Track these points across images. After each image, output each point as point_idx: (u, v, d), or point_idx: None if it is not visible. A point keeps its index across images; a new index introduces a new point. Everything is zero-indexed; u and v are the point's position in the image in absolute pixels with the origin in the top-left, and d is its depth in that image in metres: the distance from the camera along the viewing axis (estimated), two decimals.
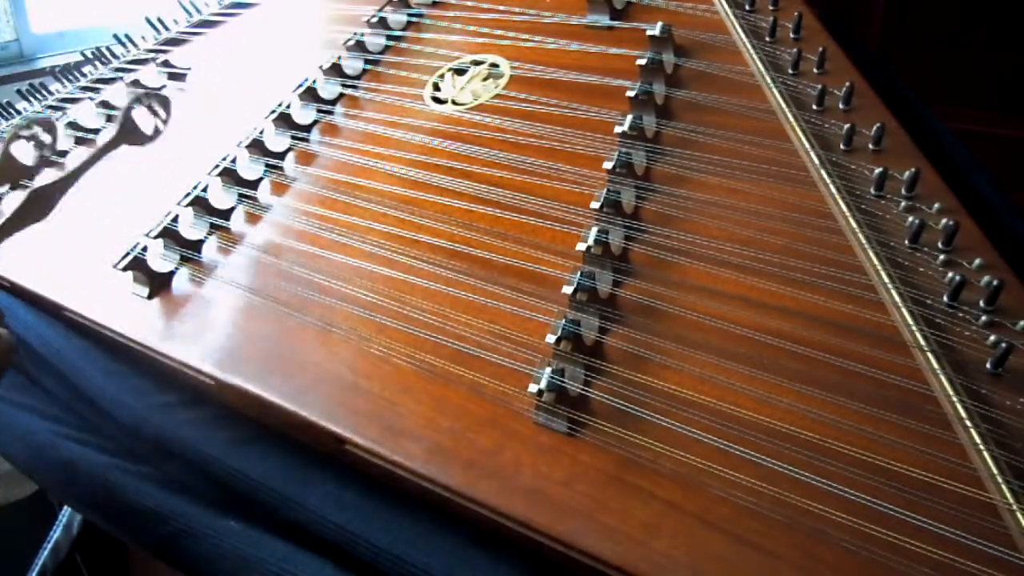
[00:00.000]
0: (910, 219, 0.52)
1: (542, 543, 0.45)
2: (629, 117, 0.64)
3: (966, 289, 0.48)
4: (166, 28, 1.06)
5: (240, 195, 0.73)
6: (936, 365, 0.45)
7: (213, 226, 0.71)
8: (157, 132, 0.67)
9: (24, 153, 0.66)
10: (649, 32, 0.71)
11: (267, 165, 0.75)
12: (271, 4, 1.07)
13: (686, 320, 0.52)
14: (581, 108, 0.70)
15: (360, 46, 0.86)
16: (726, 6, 0.74)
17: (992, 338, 0.46)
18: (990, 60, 1.39)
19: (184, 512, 0.54)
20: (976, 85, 1.41)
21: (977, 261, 0.50)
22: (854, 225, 0.53)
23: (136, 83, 0.93)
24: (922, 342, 0.46)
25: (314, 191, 0.72)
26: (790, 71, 0.66)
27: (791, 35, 0.70)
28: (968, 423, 0.42)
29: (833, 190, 0.56)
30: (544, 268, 0.58)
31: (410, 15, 0.90)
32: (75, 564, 0.94)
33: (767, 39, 0.70)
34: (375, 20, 0.88)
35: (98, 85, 0.98)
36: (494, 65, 0.79)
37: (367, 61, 0.85)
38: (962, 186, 0.56)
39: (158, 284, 0.67)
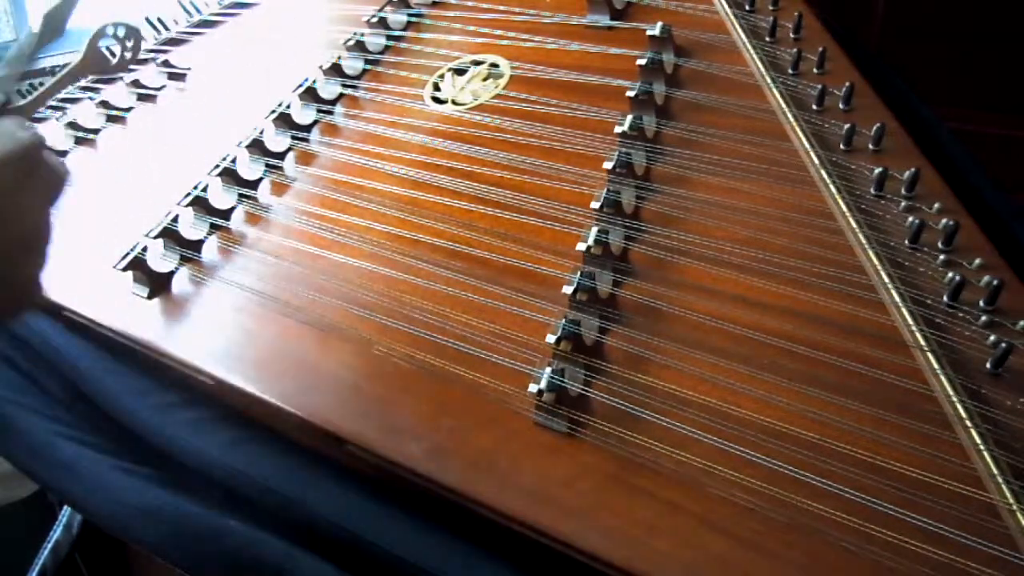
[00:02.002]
0: (910, 219, 0.52)
1: (542, 543, 0.45)
2: (629, 117, 0.64)
3: (966, 289, 0.48)
4: (166, 28, 1.06)
5: (240, 195, 0.73)
6: (936, 365, 0.45)
7: (213, 226, 0.71)
8: (123, 63, 0.70)
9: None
10: (649, 32, 0.71)
11: (267, 165, 0.75)
12: (271, 4, 1.07)
13: (686, 320, 0.52)
14: (581, 108, 0.70)
15: (360, 46, 0.86)
16: (726, 6, 0.74)
17: (992, 338, 0.46)
18: (991, 60, 1.39)
19: (184, 512, 0.54)
20: (977, 85, 1.41)
21: (977, 261, 0.50)
22: (854, 225, 0.53)
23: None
24: (922, 342, 0.46)
25: (314, 191, 0.72)
26: (790, 71, 0.66)
27: (791, 35, 0.70)
28: (968, 423, 0.42)
29: (833, 190, 0.56)
30: (544, 268, 0.58)
31: (410, 15, 0.90)
32: (75, 564, 0.94)
33: (767, 39, 0.70)
34: (375, 20, 0.88)
35: (98, 85, 0.98)
36: (494, 65, 0.79)
37: (367, 61, 0.85)
38: (962, 186, 0.56)
39: (158, 284, 0.67)
